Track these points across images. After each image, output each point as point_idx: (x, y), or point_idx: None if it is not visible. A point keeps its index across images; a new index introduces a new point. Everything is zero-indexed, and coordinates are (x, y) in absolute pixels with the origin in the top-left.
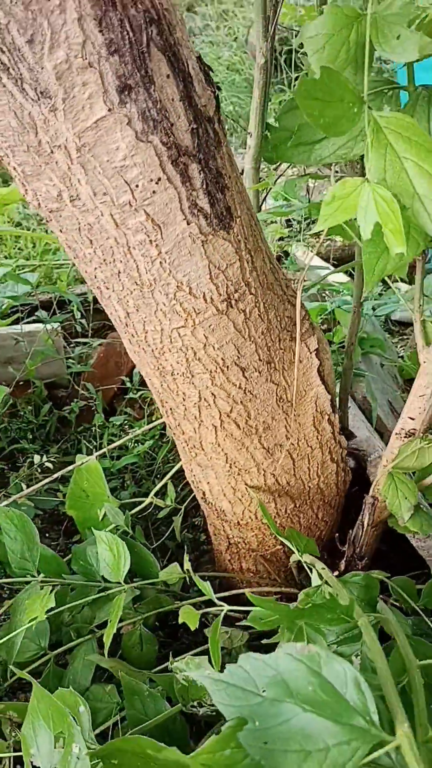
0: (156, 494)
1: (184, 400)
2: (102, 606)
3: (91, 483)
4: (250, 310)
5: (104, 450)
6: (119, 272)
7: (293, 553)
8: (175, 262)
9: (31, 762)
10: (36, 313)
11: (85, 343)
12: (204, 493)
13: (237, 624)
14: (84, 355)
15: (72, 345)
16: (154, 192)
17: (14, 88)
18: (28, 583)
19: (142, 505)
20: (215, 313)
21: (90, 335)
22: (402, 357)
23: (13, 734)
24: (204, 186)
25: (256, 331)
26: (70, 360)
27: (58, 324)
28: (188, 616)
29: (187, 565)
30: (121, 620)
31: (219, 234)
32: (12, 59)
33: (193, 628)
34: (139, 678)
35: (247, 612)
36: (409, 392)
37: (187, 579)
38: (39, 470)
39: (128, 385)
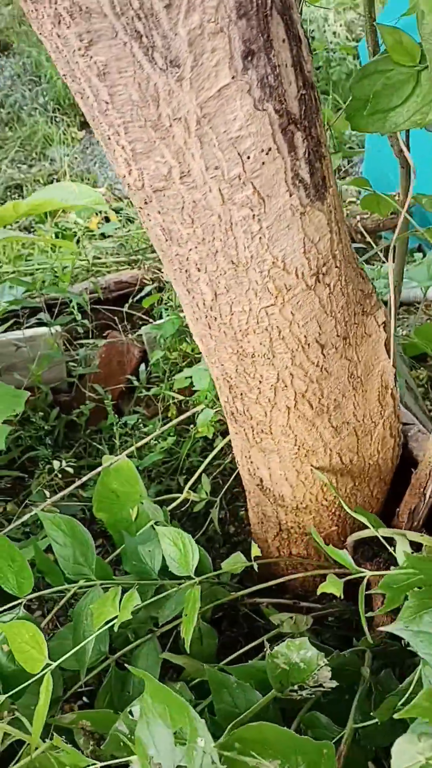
0: (181, 489)
1: (260, 382)
2: (164, 604)
3: (122, 483)
4: (334, 284)
5: (132, 449)
6: (216, 252)
7: (346, 533)
8: (273, 237)
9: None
10: (38, 316)
11: (88, 345)
12: (262, 480)
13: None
14: (88, 357)
15: (74, 347)
16: (263, 163)
17: (144, 58)
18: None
19: (179, 500)
20: (304, 289)
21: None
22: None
23: (90, 744)
24: (306, 155)
25: (337, 306)
26: (72, 363)
27: (61, 327)
28: (332, 585)
29: (256, 551)
30: (175, 617)
31: (315, 205)
32: (147, 26)
33: (339, 595)
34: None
35: (303, 597)
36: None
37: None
38: (60, 476)
39: (135, 383)
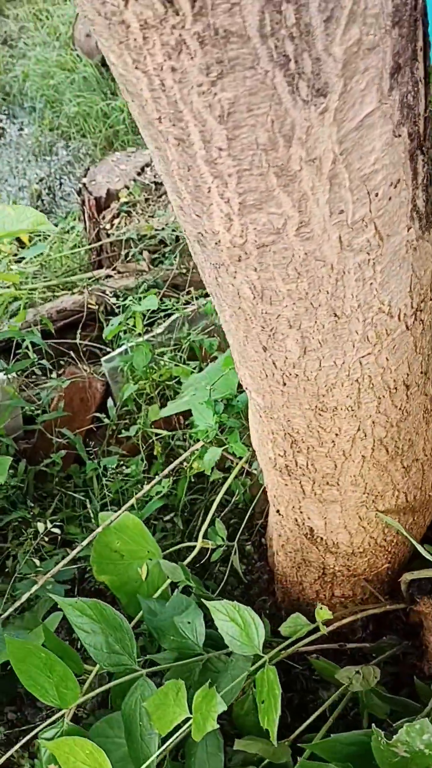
0: (191, 535)
1: (336, 435)
2: (218, 683)
3: (126, 541)
4: (428, 319)
5: (132, 501)
6: (319, 306)
7: (395, 567)
8: (384, 281)
9: None
10: None
11: (47, 387)
12: (312, 530)
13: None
14: (51, 399)
15: (30, 388)
16: (389, 199)
17: (285, 90)
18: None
19: (194, 552)
20: (403, 331)
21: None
22: None
23: None
24: (423, 181)
25: (425, 342)
26: (29, 407)
27: (17, 371)
28: None
29: (326, 614)
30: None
31: (425, 236)
32: (299, 47)
33: None
34: (279, 751)
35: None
36: None
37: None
38: (46, 539)
39: (106, 421)
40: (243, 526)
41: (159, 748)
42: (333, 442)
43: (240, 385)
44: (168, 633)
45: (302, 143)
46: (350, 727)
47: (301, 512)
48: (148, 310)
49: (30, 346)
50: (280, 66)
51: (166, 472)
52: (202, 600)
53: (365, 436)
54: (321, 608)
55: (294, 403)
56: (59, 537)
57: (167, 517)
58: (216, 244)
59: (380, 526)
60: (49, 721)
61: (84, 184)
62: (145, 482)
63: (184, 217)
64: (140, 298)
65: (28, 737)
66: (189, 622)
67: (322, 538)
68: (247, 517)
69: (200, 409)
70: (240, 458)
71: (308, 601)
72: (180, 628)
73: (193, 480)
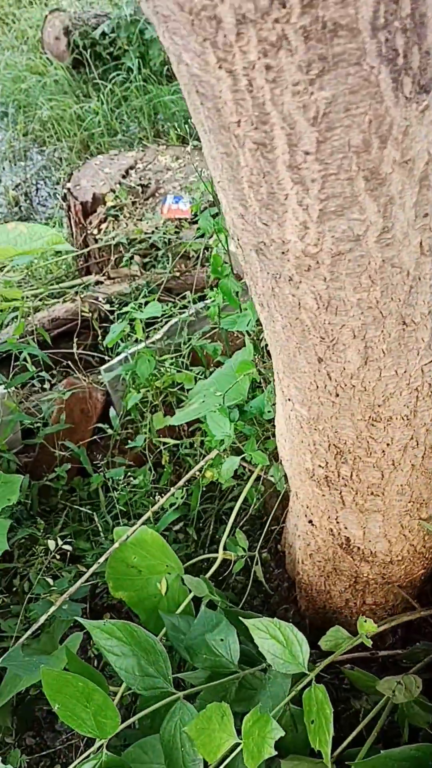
0: (203, 545)
1: (387, 445)
2: (256, 699)
3: (144, 556)
4: None
5: (148, 514)
6: (389, 314)
7: (429, 574)
8: None
9: None
10: None
11: (46, 399)
12: (349, 540)
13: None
14: (52, 412)
15: (29, 400)
16: None
17: (389, 87)
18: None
19: (216, 564)
20: None
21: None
22: None
23: None
24: None
25: None
26: (29, 420)
27: (16, 384)
28: None
29: (371, 627)
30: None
31: None
32: (410, 41)
33: None
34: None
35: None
36: None
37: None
38: (57, 556)
39: (108, 431)
40: (263, 534)
41: None
42: (383, 452)
43: (251, 391)
44: (200, 651)
45: (398, 144)
46: (388, 738)
47: (337, 522)
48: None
49: (28, 358)
50: (388, 61)
51: (181, 483)
52: (239, 617)
53: (417, 444)
54: (366, 621)
55: (345, 414)
56: (68, 553)
57: (177, 527)
58: (282, 253)
59: (421, 533)
60: (86, 754)
61: (69, 189)
62: (155, 493)
63: (243, 225)
64: (140, 305)
65: None
66: (222, 639)
67: (359, 548)
68: (266, 525)
69: (215, 418)
70: (256, 465)
71: (335, 609)
72: (213, 645)
73: (203, 489)
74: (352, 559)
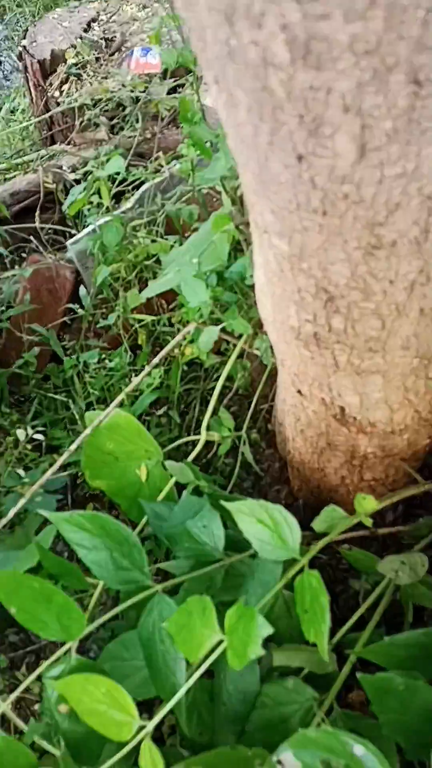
0: (189, 428)
1: (391, 283)
2: (243, 587)
3: (120, 442)
4: None
5: (122, 396)
6: (394, 66)
7: None
8: None
9: None
10: None
11: (9, 277)
12: (343, 409)
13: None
14: (13, 293)
15: None
16: None
17: None
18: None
19: (199, 447)
20: None
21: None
22: None
23: None
24: None
25: None
26: None
27: None
28: None
29: (372, 504)
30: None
31: None
32: None
33: None
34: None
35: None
36: None
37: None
38: (29, 447)
39: (80, 312)
40: (250, 413)
41: (186, 673)
42: (384, 292)
43: (231, 255)
44: (181, 540)
45: None
46: (391, 621)
47: (330, 390)
48: (113, 181)
49: None
50: None
51: (155, 361)
52: (220, 501)
53: (428, 280)
54: (364, 498)
55: (336, 243)
56: (44, 443)
57: (161, 411)
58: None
59: (428, 397)
60: (53, 657)
61: (24, 47)
62: (132, 376)
63: None
64: (102, 163)
65: (37, 672)
66: (205, 526)
67: (355, 418)
68: (253, 403)
69: (191, 284)
70: (239, 337)
71: (330, 488)
72: (195, 533)
73: (185, 368)
74: (348, 432)
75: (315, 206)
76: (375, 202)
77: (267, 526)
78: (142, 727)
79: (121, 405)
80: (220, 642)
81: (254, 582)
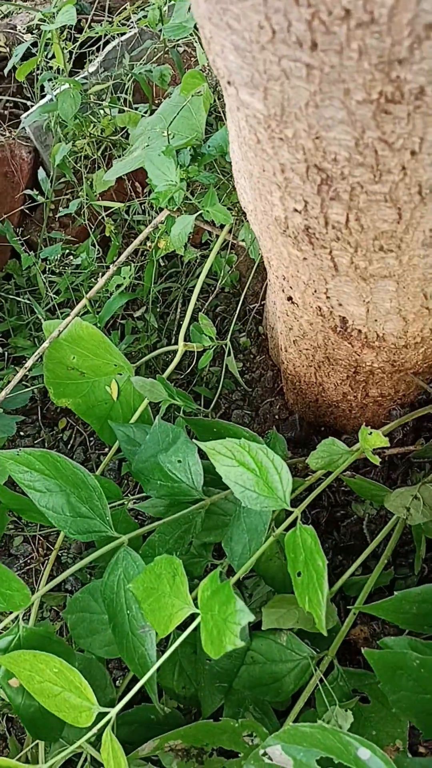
0: (170, 333)
1: (413, 155)
2: (229, 532)
3: (84, 355)
4: None
5: (84, 302)
6: None
7: None
8: None
9: None
10: None
11: None
12: (345, 320)
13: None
14: None
15: None
16: None
17: None
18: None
19: (176, 360)
20: None
21: None
22: None
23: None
24: None
25: None
26: None
27: None
28: None
29: (381, 440)
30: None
31: None
32: None
33: None
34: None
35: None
36: None
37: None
38: None
39: (40, 199)
40: (235, 315)
41: (159, 645)
42: (403, 170)
43: (212, 125)
44: (153, 476)
45: None
46: (398, 552)
47: (328, 298)
48: (74, 40)
49: None
50: None
51: (123, 258)
52: (204, 446)
53: None
54: (370, 433)
55: (333, 94)
56: (6, 353)
57: (137, 314)
58: None
59: None
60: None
61: None
62: (102, 274)
63: None
64: (52, 15)
65: None
66: (180, 461)
67: (359, 331)
68: (240, 303)
69: (157, 163)
70: (221, 227)
71: (330, 403)
72: (168, 469)
73: (163, 264)
74: (350, 346)
75: (299, 33)
76: (394, 23)
77: (250, 469)
78: (103, 714)
79: (87, 312)
80: (195, 616)
81: (239, 528)
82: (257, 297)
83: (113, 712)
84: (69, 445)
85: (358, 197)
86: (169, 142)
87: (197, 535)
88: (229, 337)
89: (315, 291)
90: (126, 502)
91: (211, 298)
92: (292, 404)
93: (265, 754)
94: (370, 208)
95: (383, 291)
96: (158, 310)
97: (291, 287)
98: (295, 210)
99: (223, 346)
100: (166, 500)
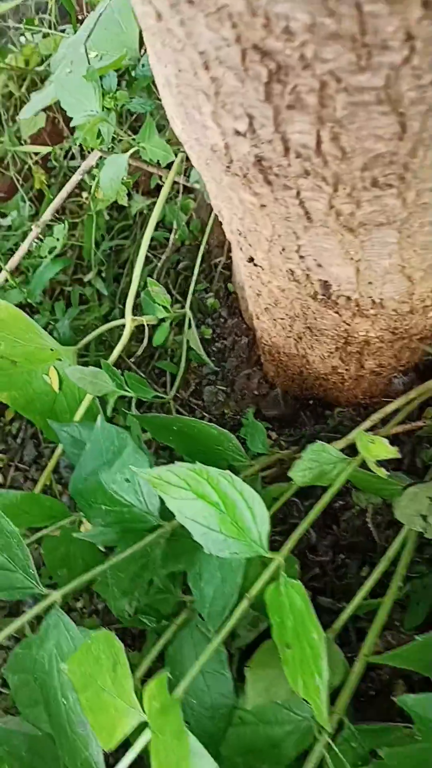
0: (124, 299)
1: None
2: (198, 573)
3: (12, 341)
4: None
5: (5, 275)
6: None
7: None
8: None
9: None
10: None
11: None
12: (328, 285)
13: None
14: None
15: None
16: None
17: None
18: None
19: (124, 339)
20: None
21: None
22: None
23: None
24: None
25: None
26: None
27: None
28: None
29: (392, 452)
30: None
31: None
32: None
33: None
34: None
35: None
36: None
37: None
38: None
39: None
40: (196, 273)
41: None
42: (410, 39)
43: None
44: (95, 500)
45: None
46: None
47: (301, 258)
48: None
49: None
50: None
51: (48, 215)
52: (140, 450)
53: None
54: (372, 441)
55: None
56: None
57: (87, 278)
58: None
59: None
60: None
61: None
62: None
63: None
64: None
65: None
66: (128, 480)
67: (348, 298)
68: (199, 258)
69: (72, 90)
70: (168, 168)
71: (318, 375)
72: (114, 491)
73: (113, 218)
74: (337, 315)
75: None
76: None
77: (212, 503)
78: None
79: (12, 287)
80: (145, 725)
81: (209, 563)
82: (223, 249)
83: None
84: (18, 439)
85: (333, 99)
86: (89, 63)
87: (162, 565)
88: (188, 301)
89: (283, 249)
90: (78, 520)
91: (166, 253)
92: (272, 377)
93: None
94: (354, 118)
95: (379, 244)
96: (113, 271)
97: (251, 245)
98: (237, 132)
99: (184, 316)
100: (116, 527)
